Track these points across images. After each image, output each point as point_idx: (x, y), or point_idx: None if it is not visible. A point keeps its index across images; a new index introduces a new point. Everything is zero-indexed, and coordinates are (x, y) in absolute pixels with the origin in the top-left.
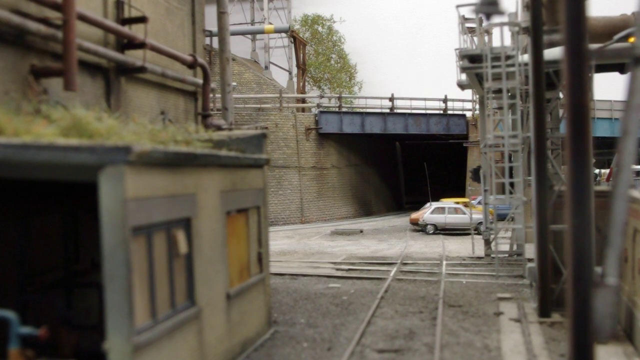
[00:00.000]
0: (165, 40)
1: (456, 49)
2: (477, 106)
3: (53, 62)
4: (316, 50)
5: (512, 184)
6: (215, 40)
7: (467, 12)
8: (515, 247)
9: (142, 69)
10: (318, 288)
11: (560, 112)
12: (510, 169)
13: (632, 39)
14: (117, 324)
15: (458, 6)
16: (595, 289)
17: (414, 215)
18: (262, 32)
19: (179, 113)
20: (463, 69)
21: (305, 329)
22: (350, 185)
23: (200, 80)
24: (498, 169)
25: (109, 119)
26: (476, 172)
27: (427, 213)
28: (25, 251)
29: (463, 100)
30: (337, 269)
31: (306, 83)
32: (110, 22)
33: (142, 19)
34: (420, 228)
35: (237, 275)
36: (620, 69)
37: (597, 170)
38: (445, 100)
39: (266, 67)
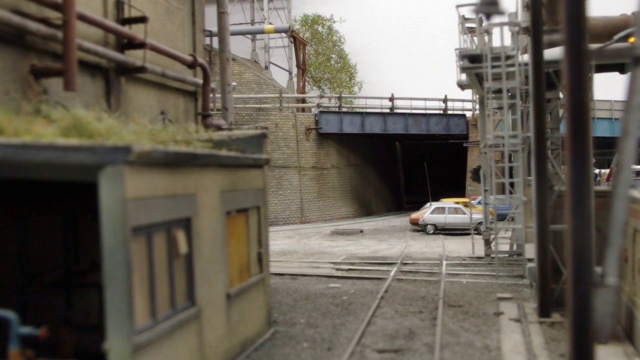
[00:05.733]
0: (165, 40)
1: (456, 49)
2: (477, 106)
3: (53, 62)
4: (316, 50)
5: (512, 184)
6: (215, 40)
7: (467, 12)
8: (515, 247)
9: (142, 69)
10: (318, 288)
11: (560, 112)
12: (510, 169)
13: (632, 39)
14: (117, 324)
15: (458, 6)
16: (595, 289)
17: (414, 215)
18: (262, 32)
19: (179, 113)
20: (463, 69)
21: (305, 329)
22: (350, 185)
23: (200, 80)
24: (498, 169)
25: (109, 119)
26: (476, 172)
27: (427, 213)
28: (25, 251)
29: (463, 100)
30: (337, 269)
31: (306, 83)
32: (110, 22)
33: (142, 19)
34: (420, 228)
35: (237, 275)
36: (620, 69)
37: (597, 170)
38: (445, 100)
39: (266, 67)
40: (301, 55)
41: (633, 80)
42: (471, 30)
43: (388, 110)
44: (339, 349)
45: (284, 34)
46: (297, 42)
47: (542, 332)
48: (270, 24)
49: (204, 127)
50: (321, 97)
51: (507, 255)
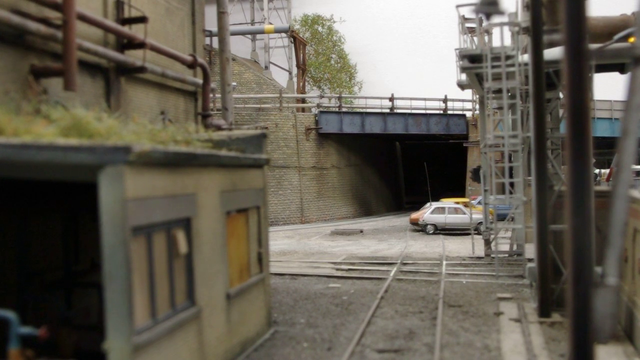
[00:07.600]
0: (165, 40)
1: (456, 49)
2: (477, 106)
3: (53, 62)
4: (316, 50)
5: (512, 184)
6: (215, 40)
7: (467, 12)
8: (515, 247)
9: (142, 69)
10: (318, 288)
11: (560, 112)
12: (510, 169)
13: (632, 39)
14: (117, 324)
15: (458, 6)
16: (595, 289)
17: (414, 215)
18: (262, 32)
19: (179, 113)
20: (463, 69)
21: (305, 329)
22: (350, 185)
23: (200, 80)
24: (498, 169)
25: (109, 119)
26: (476, 172)
27: (427, 213)
28: (25, 251)
29: (463, 100)
30: (337, 269)
31: (306, 83)
32: (110, 22)
33: (142, 19)
34: (420, 228)
35: (237, 275)
36: (620, 69)
37: (597, 170)
38: (445, 100)
39: (266, 67)
40: (301, 55)
41: (633, 80)
42: (471, 30)
43: (388, 110)
44: (339, 349)
45: (284, 34)
46: (297, 42)
47: (542, 332)
48: (270, 24)
49: (204, 127)
50: (321, 97)
51: (507, 255)
